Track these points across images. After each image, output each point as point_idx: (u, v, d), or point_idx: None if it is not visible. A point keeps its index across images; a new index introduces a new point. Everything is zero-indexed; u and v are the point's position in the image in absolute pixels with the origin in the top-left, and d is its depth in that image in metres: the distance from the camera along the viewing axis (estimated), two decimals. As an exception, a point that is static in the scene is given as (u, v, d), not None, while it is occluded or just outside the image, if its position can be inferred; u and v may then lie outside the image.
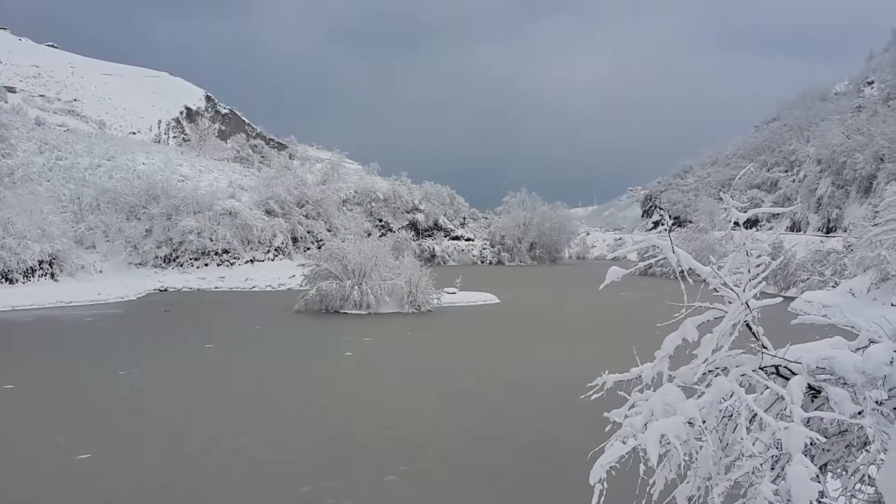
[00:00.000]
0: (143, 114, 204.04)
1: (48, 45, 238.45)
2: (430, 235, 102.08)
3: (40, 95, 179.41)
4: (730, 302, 4.97)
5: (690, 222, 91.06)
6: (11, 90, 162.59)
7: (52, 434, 13.44)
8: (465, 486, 10.75)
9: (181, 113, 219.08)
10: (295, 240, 75.41)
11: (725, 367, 4.98)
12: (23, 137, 74.76)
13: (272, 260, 70.55)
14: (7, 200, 52.15)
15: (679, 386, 4.98)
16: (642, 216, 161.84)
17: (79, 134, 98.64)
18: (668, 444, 4.70)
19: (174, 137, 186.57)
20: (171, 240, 63.81)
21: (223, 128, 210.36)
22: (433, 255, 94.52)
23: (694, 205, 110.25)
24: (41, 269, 50.18)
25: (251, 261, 68.52)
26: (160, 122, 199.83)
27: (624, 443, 4.85)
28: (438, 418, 14.91)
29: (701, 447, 4.76)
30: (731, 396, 4.59)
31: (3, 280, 46.42)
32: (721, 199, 5.46)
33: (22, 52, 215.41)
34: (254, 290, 52.33)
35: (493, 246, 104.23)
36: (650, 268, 64.24)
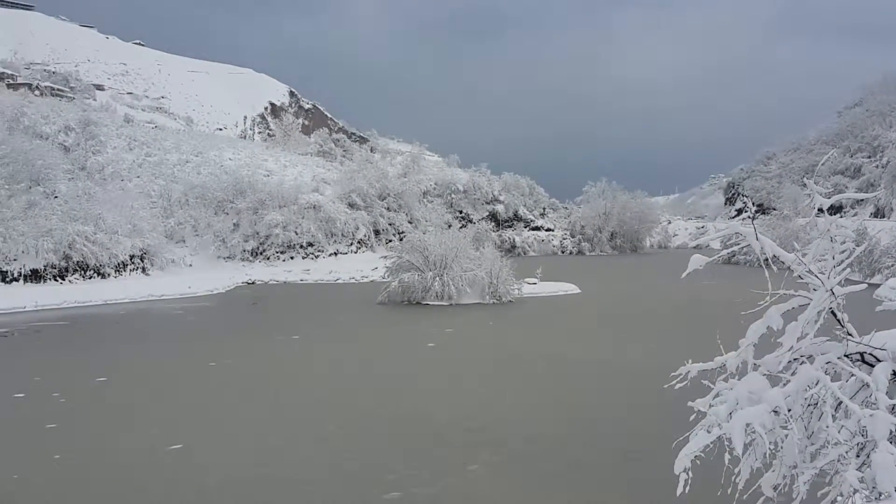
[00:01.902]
0: (229, 110, 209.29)
1: (135, 43, 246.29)
2: (510, 226, 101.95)
3: (128, 93, 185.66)
4: (814, 289, 4.92)
5: (774, 209, 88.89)
6: (100, 88, 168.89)
7: (145, 425, 13.97)
8: (546, 477, 10.80)
9: (266, 109, 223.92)
10: (377, 232, 76.38)
11: (810, 355, 4.94)
12: (112, 135, 77.60)
13: (355, 252, 71.62)
14: (98, 196, 54.17)
15: (764, 374, 4.96)
16: (725, 204, 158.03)
17: (167, 131, 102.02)
18: (754, 432, 4.70)
19: (259, 133, 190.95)
20: (257, 233, 65.44)
21: (306, 123, 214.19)
22: (513, 246, 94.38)
23: (777, 192, 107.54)
24: (132, 263, 52.03)
25: (335, 253, 69.71)
26: (245, 117, 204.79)
27: (709, 432, 4.86)
28: (520, 408, 14.98)
29: (786, 436, 4.75)
30: (816, 384, 4.56)
31: (96, 275, 48.27)
32: (805, 185, 5.40)
33: (109, 50, 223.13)
34: (338, 282, 53.24)
35: (573, 236, 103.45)
36: (733, 256, 62.94)
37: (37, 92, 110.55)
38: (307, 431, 13.35)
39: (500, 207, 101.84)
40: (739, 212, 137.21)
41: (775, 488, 5.05)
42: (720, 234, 5.67)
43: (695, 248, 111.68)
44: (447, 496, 10.02)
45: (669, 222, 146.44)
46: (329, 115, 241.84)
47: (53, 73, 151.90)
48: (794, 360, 4.99)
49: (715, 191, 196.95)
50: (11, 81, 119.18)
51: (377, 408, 15.13)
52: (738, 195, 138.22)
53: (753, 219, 5.32)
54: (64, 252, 46.32)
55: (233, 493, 10.20)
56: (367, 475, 10.88)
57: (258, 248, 65.68)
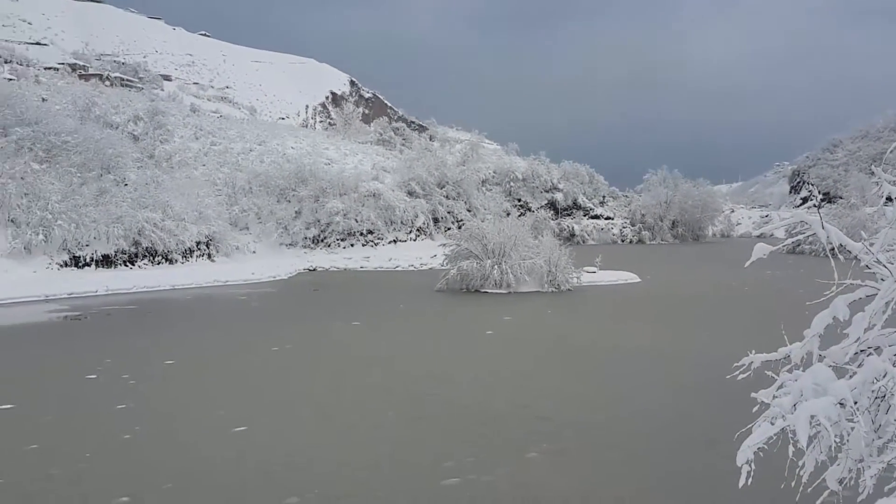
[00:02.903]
0: (291, 99, 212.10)
1: (201, 34, 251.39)
2: (569, 214, 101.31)
3: (194, 83, 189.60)
4: (882, 279, 4.82)
5: (840, 198, 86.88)
6: (167, 78, 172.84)
7: (211, 407, 14.30)
8: (606, 466, 10.76)
9: (327, 98, 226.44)
10: (436, 220, 76.68)
11: (878, 347, 4.84)
12: (179, 124, 79.25)
13: (414, 240, 72.06)
14: (166, 184, 55.59)
15: (829, 366, 4.88)
16: (790, 192, 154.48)
17: (231, 120, 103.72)
18: (819, 425, 4.63)
19: (320, 122, 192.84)
20: (318, 221, 66.32)
21: (366, 111, 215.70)
22: (572, 235, 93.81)
23: (844, 180, 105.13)
24: (199, 249, 53.28)
25: (394, 241, 70.24)
26: (307, 107, 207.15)
27: (772, 423, 4.81)
28: (578, 397, 14.92)
29: (852, 428, 4.66)
30: (884, 376, 4.47)
31: (164, 260, 49.61)
32: (872, 173, 5.28)
33: (176, 41, 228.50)
34: (397, 269, 53.64)
35: (633, 224, 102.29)
36: (798, 245, 61.63)
37: (107, 82, 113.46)
38: (366, 417, 13.52)
39: (559, 196, 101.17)
40: (805, 200, 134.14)
41: (841, 482, 4.97)
42: (785, 222, 5.57)
43: (758, 237, 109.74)
44: (505, 483, 10.06)
45: (732, 211, 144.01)
46: (389, 104, 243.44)
47: (123, 63, 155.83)
48: (861, 351, 4.90)
49: (779, 179, 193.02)
50: (83, 72, 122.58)
51: (435, 394, 15.24)
52: (804, 183, 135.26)
53: (819, 207, 5.23)
54: (133, 238, 47.67)
55: (294, 476, 10.40)
56: (425, 461, 10.98)
57: (319, 235, 66.54)
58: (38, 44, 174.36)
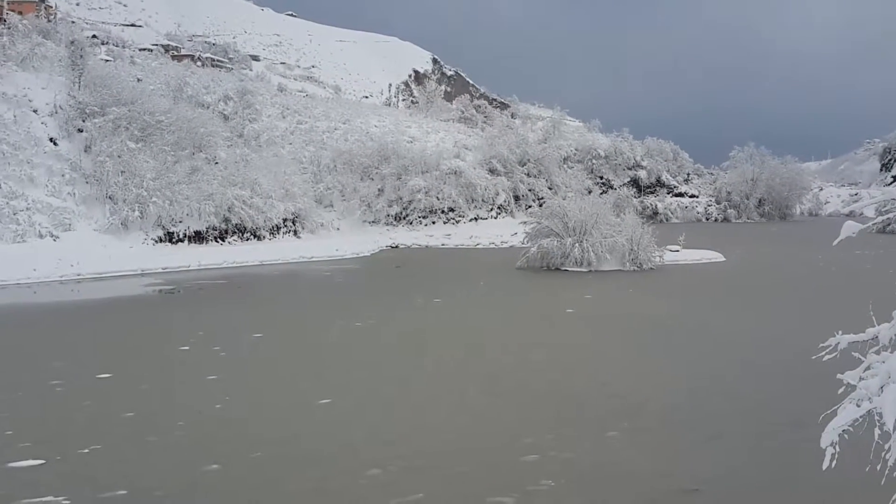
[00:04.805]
0: (375, 78, 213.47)
1: (288, 15, 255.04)
2: (652, 192, 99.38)
3: (281, 63, 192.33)
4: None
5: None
6: (255, 58, 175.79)
7: (296, 380, 14.76)
8: (686, 446, 10.70)
9: (409, 76, 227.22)
10: (517, 198, 76.39)
11: (970, 329, 4.73)
12: (267, 103, 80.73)
13: (495, 218, 72.01)
14: (254, 162, 56.94)
15: (919, 348, 4.80)
16: (881, 170, 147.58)
17: (317, 99, 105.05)
18: (906, 407, 4.57)
19: (403, 100, 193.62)
20: (400, 199, 66.99)
21: (448, 89, 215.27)
22: (655, 213, 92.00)
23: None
24: (285, 226, 54.59)
25: (475, 219, 70.37)
26: (390, 85, 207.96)
27: (858, 406, 4.77)
28: (659, 376, 14.81)
29: (941, 412, 4.58)
30: (975, 359, 4.38)
31: (253, 237, 51.05)
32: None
33: (264, 21, 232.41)
34: (478, 247, 53.81)
35: (718, 202, 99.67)
36: (889, 224, 59.11)
37: (198, 63, 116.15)
38: (448, 393, 13.73)
39: (642, 173, 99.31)
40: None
41: (928, 465, 4.90)
42: (875, 200, 5.47)
43: (847, 215, 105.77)
44: (584, 461, 10.12)
45: (821, 189, 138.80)
46: (471, 82, 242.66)
47: (213, 44, 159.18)
48: (953, 333, 4.80)
49: (870, 156, 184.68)
50: (175, 53, 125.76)
51: (516, 371, 15.35)
52: (895, 161, 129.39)
53: (912, 187, 5.11)
54: (224, 215, 49.21)
55: (376, 448, 10.67)
56: (506, 437, 11.10)
57: (401, 212, 67.22)
58: (132, 25, 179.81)
